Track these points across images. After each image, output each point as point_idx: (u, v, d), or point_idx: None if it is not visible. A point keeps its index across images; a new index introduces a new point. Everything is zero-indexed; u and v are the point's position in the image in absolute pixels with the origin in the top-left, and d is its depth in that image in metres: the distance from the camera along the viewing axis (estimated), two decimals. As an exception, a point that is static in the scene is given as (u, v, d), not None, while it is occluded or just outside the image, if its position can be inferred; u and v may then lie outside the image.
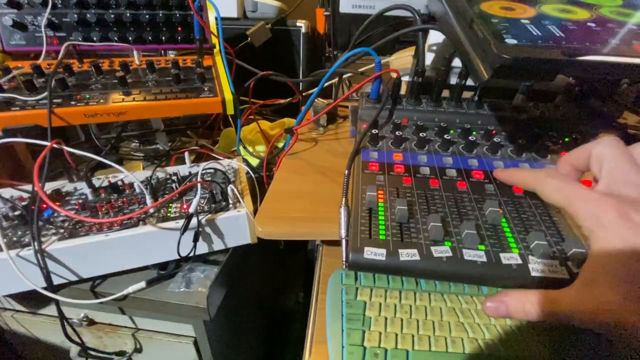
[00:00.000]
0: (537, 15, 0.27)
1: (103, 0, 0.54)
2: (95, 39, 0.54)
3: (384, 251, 0.27)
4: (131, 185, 0.50)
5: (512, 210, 0.31)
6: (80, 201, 0.47)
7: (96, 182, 0.51)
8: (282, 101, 0.74)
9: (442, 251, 0.27)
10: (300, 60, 0.87)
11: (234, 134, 0.64)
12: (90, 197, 0.48)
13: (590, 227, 0.22)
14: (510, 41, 0.23)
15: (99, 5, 0.54)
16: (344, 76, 0.72)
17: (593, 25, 0.26)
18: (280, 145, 0.62)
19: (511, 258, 0.27)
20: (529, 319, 0.24)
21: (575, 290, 0.22)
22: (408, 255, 0.27)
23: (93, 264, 0.43)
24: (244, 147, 0.61)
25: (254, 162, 0.62)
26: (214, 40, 0.60)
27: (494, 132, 0.40)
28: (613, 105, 0.41)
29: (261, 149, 0.66)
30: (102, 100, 0.46)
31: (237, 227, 0.46)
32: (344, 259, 0.29)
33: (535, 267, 0.26)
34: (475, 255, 0.27)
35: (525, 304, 0.24)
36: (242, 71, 0.72)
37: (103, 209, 0.45)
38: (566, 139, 0.39)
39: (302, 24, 0.83)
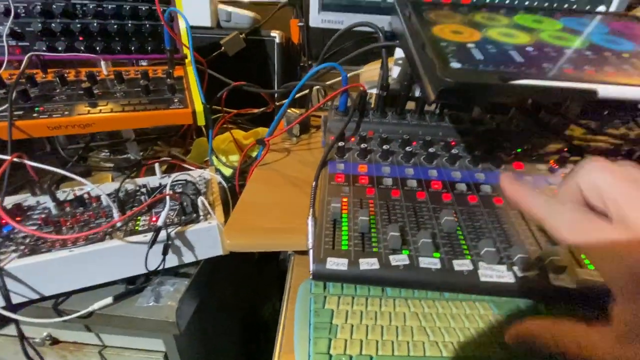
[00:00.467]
0: (482, 39, 0.30)
1: (69, 10, 0.53)
2: (60, 48, 0.53)
3: (345, 261, 0.28)
4: (98, 198, 0.49)
5: (467, 218, 0.33)
6: (44, 216, 0.46)
7: (61, 195, 0.50)
8: (255, 111, 0.75)
9: (399, 260, 0.29)
10: (275, 69, 0.88)
11: (206, 143, 0.64)
12: (54, 211, 0.47)
13: (609, 274, 0.20)
14: (455, 65, 0.25)
15: (64, 14, 0.53)
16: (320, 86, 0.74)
17: (531, 49, 0.28)
18: (254, 154, 0.63)
19: (463, 265, 0.28)
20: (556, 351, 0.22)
21: (614, 341, 0.20)
22: (368, 264, 0.28)
23: (56, 281, 0.42)
24: (217, 157, 0.61)
25: (227, 171, 0.62)
26: (186, 50, 0.60)
27: (453, 143, 0.42)
28: (561, 118, 0.45)
29: (234, 158, 0.66)
30: (66, 112, 0.46)
31: (207, 238, 0.46)
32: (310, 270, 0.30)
33: (484, 272, 0.28)
34: (430, 262, 0.28)
35: (556, 337, 0.22)
36: (216, 81, 0.72)
37: (67, 224, 0.44)
38: (519, 150, 0.42)
39: (276, 34, 0.84)
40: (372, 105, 0.50)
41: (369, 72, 0.72)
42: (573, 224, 0.22)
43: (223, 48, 0.80)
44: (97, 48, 0.55)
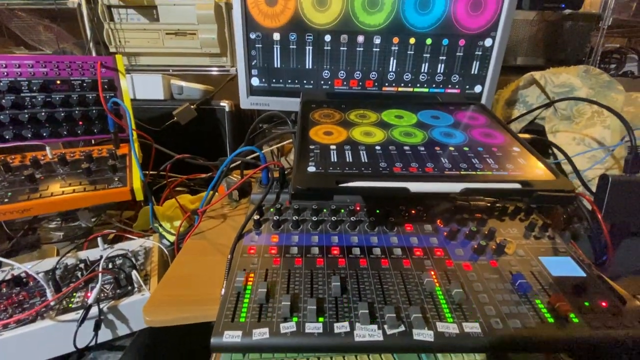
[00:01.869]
0: (345, 139, 0.37)
1: (18, 102, 0.59)
2: (7, 137, 0.57)
3: (239, 333, 0.33)
4: (35, 277, 0.51)
5: (354, 281, 0.38)
6: (-23, 300, 0.47)
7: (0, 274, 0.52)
8: (203, 176, 0.81)
9: (288, 327, 0.33)
10: (227, 134, 0.96)
11: (152, 211, 0.68)
12: (-12, 293, 0.49)
13: None
14: (311, 169, 0.32)
15: (14, 106, 0.58)
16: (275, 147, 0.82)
17: (378, 148, 0.36)
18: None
19: (342, 327, 0.34)
20: None
21: None
22: (260, 334, 0.33)
23: (-16, 366, 0.43)
24: (160, 226, 0.65)
25: (172, 238, 0.66)
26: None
27: (357, 208, 0.49)
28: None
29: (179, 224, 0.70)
30: (6, 199, 0.49)
31: (140, 310, 0.48)
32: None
33: (359, 332, 0.33)
34: (314, 327, 0.33)
35: None
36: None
37: (1, 306, 0.46)
38: (412, 211, 0.50)
39: (225, 104, 0.93)
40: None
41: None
42: None
43: (175, 118, 0.88)
44: (44, 134, 0.60)
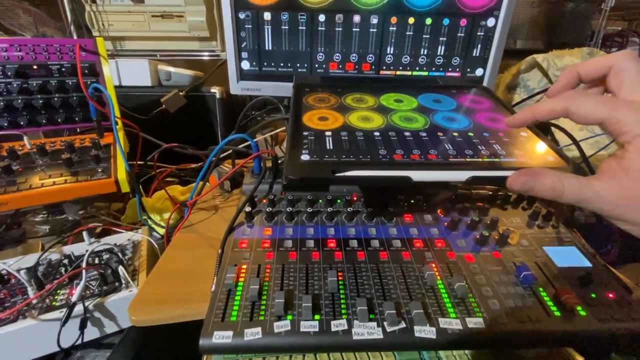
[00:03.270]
0: (341, 126, 0.35)
1: (-8, 89, 0.55)
2: (-19, 126, 0.54)
3: (230, 333, 0.31)
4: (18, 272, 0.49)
5: (351, 275, 0.36)
6: (-45, 299, 0.45)
7: (-22, 273, 0.49)
8: (193, 166, 0.78)
9: (282, 326, 0.31)
10: (218, 122, 0.92)
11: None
12: (-33, 292, 0.46)
13: (635, 131, 0.23)
14: (304, 157, 0.30)
15: (-13, 94, 0.55)
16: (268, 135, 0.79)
17: (377, 134, 0.34)
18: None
19: (340, 325, 0.32)
20: (554, 197, 0.24)
21: (612, 180, 0.24)
22: (252, 334, 0.31)
23: (-36, 368, 0.41)
24: (149, 218, 0.62)
25: (161, 231, 0.63)
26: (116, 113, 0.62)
27: (354, 198, 0.47)
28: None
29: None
30: (-19, 193, 0.46)
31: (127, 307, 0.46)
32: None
33: (357, 330, 0.31)
34: (310, 325, 0.31)
35: (556, 183, 0.24)
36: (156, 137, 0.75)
37: (-20, 305, 0.44)
38: (412, 201, 0.47)
39: (216, 90, 0.90)
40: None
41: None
42: (600, 100, 0.25)
43: (164, 105, 0.84)
44: (22, 122, 0.56)
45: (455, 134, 0.35)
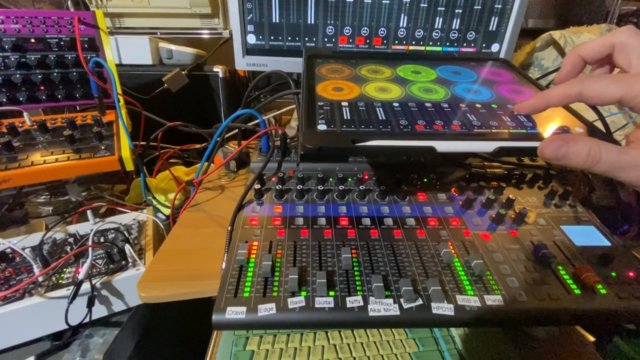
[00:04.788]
0: (358, 96, 0.33)
1: (-12, 63, 0.53)
2: (-21, 102, 0.52)
3: (244, 309, 0.30)
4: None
5: (365, 253, 0.36)
6: (-40, 276, 0.44)
7: (-17, 251, 0.49)
8: (197, 146, 0.76)
9: (296, 302, 0.31)
10: (221, 102, 0.90)
11: (144, 184, 0.64)
12: (-29, 270, 0.45)
13: None
14: (321, 127, 0.28)
15: (-17, 68, 0.52)
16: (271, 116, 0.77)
17: (396, 105, 0.32)
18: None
19: (355, 301, 0.31)
20: (589, 164, 0.23)
21: None
22: (266, 310, 0.30)
23: (-29, 344, 0.40)
24: (153, 198, 0.61)
25: (166, 211, 0.62)
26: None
27: (365, 177, 0.46)
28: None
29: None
30: (-19, 169, 0.45)
31: (136, 286, 0.46)
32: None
33: (373, 307, 0.31)
34: (325, 302, 0.31)
35: (593, 148, 0.23)
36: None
37: (-15, 283, 0.43)
38: (425, 180, 0.46)
39: (219, 69, 0.87)
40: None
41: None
42: (612, 79, 0.24)
43: (166, 85, 0.81)
44: (21, 98, 0.54)
45: (478, 105, 0.33)
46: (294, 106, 0.84)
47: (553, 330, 0.40)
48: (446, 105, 0.33)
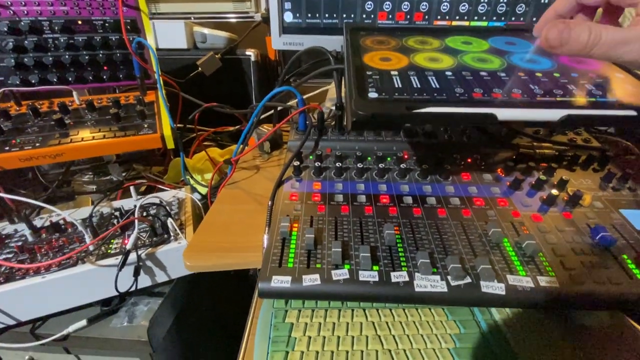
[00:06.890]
0: (407, 65, 0.32)
1: (41, 44, 0.55)
2: (33, 81, 0.55)
3: (289, 278, 0.30)
4: (73, 223, 0.51)
5: (408, 230, 0.35)
6: (20, 243, 0.48)
7: (39, 222, 0.52)
8: (231, 129, 0.77)
9: (340, 274, 0.30)
10: (252, 86, 0.91)
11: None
12: (30, 238, 0.49)
13: None
14: (372, 95, 0.27)
15: (37, 49, 0.55)
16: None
17: (450, 74, 0.31)
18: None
19: (400, 276, 0.30)
20: (592, 43, 0.22)
21: None
22: (310, 280, 0.30)
23: (32, 306, 0.43)
24: (191, 177, 0.63)
25: (203, 190, 0.64)
26: (157, 75, 0.62)
27: (405, 156, 0.44)
28: (508, 129, 0.47)
29: (210, 176, 0.68)
30: (37, 144, 0.48)
31: (178, 258, 0.47)
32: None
33: (420, 283, 0.30)
34: (369, 275, 0.30)
35: (592, 26, 0.22)
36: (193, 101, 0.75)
37: (42, 250, 0.46)
38: (468, 160, 0.44)
39: (251, 53, 0.87)
40: (332, 123, 0.52)
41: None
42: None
43: (200, 69, 0.83)
44: (70, 79, 0.57)
45: (539, 74, 0.31)
46: (326, 88, 0.83)
47: (602, 317, 0.37)
48: (503, 74, 0.31)
